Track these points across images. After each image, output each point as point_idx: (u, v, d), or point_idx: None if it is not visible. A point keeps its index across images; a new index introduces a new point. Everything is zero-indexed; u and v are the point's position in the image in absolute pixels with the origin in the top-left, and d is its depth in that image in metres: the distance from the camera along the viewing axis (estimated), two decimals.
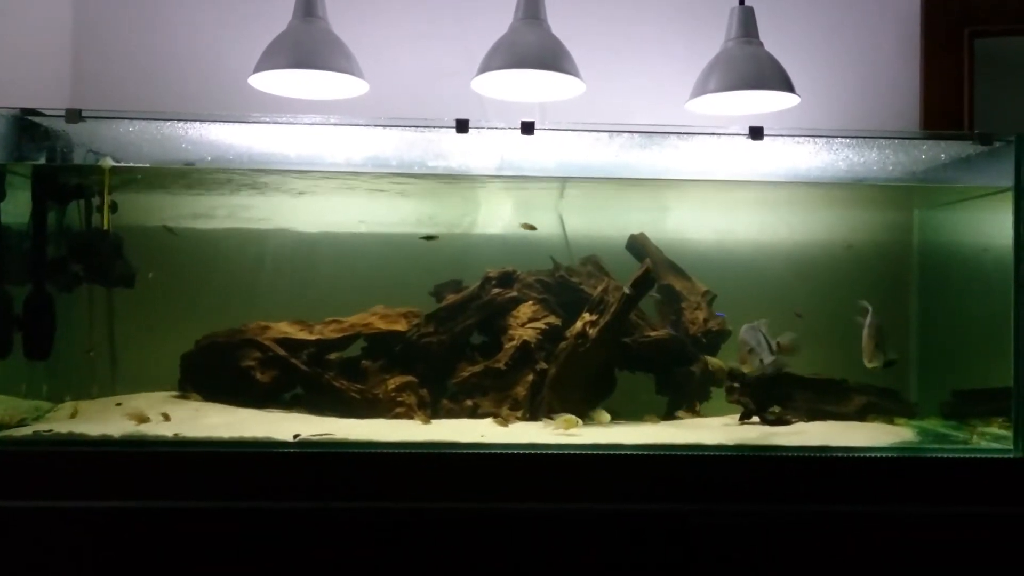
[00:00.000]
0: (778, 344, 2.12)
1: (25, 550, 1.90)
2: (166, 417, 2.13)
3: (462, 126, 2.09)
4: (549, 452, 1.99)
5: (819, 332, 2.62)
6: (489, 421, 2.27)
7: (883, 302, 2.67)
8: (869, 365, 2.11)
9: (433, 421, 2.27)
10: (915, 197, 2.65)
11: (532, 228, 2.45)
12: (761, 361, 2.12)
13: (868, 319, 2.14)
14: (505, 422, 2.25)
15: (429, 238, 2.47)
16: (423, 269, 2.53)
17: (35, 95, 2.41)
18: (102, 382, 2.45)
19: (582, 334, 2.32)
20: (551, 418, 2.19)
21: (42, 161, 2.22)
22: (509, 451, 1.97)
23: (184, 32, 2.70)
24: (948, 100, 2.65)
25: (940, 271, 2.62)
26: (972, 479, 2.00)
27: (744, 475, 1.99)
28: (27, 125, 2.13)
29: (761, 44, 2.40)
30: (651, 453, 2.01)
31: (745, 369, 2.15)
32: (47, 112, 2.09)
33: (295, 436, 2.00)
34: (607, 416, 2.26)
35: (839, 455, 2.02)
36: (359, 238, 2.65)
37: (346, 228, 2.66)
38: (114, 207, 2.36)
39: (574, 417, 2.16)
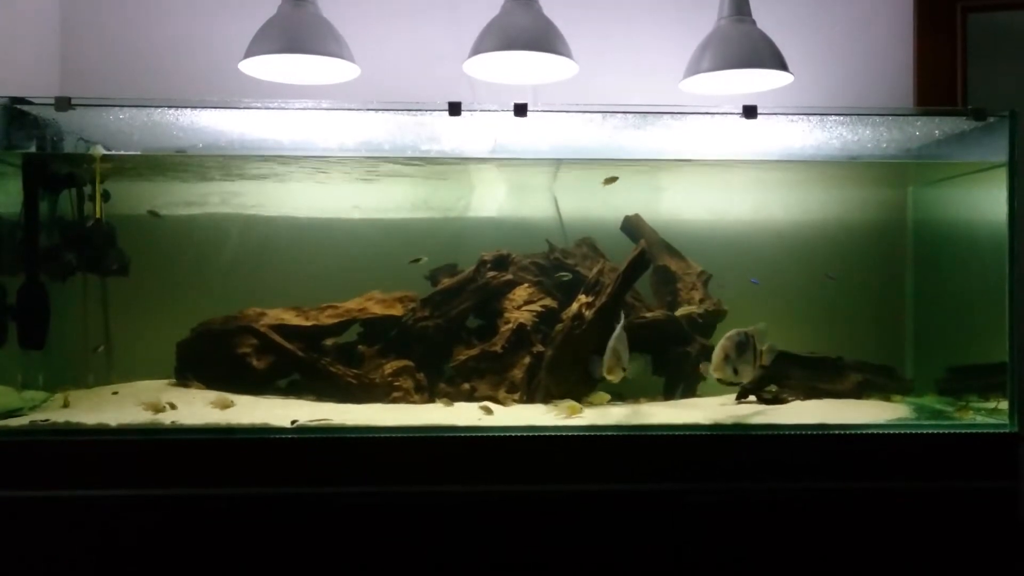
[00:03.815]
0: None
1: (23, 539, 1.90)
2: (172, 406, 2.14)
3: (455, 109, 2.08)
4: (548, 434, 2.00)
5: (814, 310, 2.64)
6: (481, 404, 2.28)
7: (878, 279, 2.69)
8: (714, 375, 2.06)
9: (446, 405, 2.28)
10: (909, 174, 2.65)
11: (614, 179, 2.41)
12: (624, 370, 2.08)
13: (731, 332, 2.07)
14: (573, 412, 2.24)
15: (416, 260, 2.49)
16: (418, 253, 2.52)
17: (24, 84, 2.39)
18: (98, 371, 2.46)
19: (578, 316, 2.32)
20: (554, 403, 2.20)
21: (32, 150, 2.21)
22: (509, 434, 1.98)
23: (173, 18, 2.68)
24: (941, 76, 2.64)
25: (934, 248, 2.62)
26: (970, 454, 2.02)
27: (742, 454, 2.00)
28: (16, 114, 2.11)
29: (754, 22, 2.39)
30: (649, 433, 2.02)
31: (609, 377, 2.07)
32: (36, 100, 2.08)
33: (293, 422, 2.00)
34: (606, 396, 2.26)
35: (836, 432, 2.03)
36: (353, 223, 2.64)
37: (340, 213, 2.65)
38: (106, 195, 2.35)
39: (577, 404, 2.17)
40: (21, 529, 1.90)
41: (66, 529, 1.90)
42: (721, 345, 2.05)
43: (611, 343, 2.07)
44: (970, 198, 2.42)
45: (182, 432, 1.97)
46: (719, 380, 2.09)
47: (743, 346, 2.06)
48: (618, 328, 2.11)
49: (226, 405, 2.15)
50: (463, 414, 2.16)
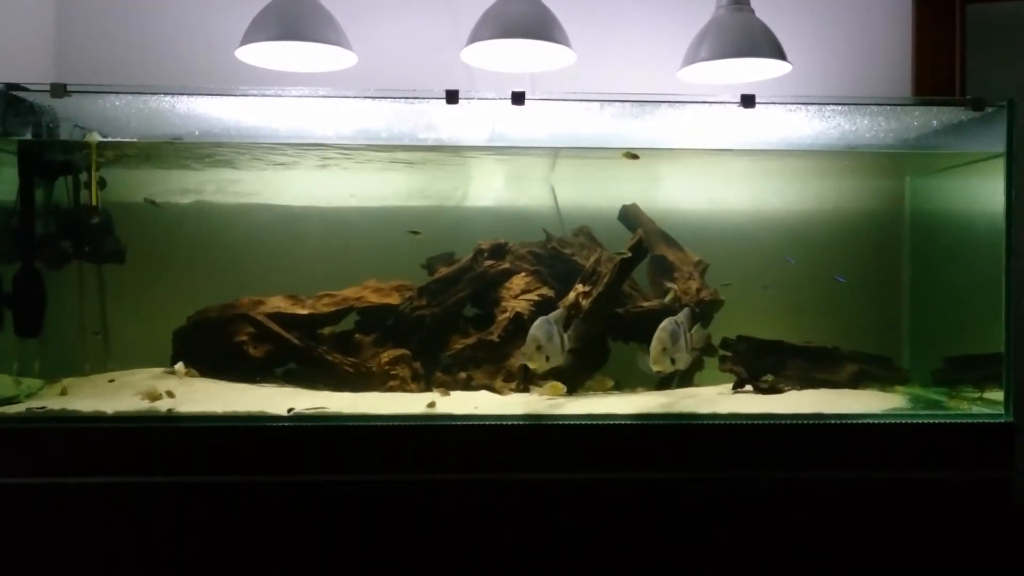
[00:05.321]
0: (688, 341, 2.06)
1: (18, 526, 1.91)
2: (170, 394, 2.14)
3: (452, 97, 2.07)
4: (542, 423, 2.00)
5: (811, 300, 2.64)
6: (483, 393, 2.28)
7: (875, 269, 2.70)
8: (655, 368, 2.04)
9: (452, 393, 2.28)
10: (907, 164, 2.65)
11: (635, 156, 2.35)
12: (548, 359, 2.03)
13: (664, 323, 2.05)
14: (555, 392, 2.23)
15: (414, 233, 2.48)
16: (415, 242, 2.52)
17: (19, 70, 2.38)
18: (94, 359, 2.45)
19: (575, 305, 2.32)
20: (538, 385, 2.20)
21: (28, 137, 2.20)
22: (504, 422, 1.98)
23: (169, 4, 2.66)
24: (940, 66, 2.64)
25: (931, 238, 2.62)
26: (966, 444, 2.02)
27: (739, 444, 2.00)
28: (12, 100, 2.10)
29: (752, 11, 2.38)
30: (646, 423, 2.02)
31: (531, 365, 2.03)
32: (32, 87, 2.07)
33: (289, 410, 2.01)
34: (610, 382, 2.28)
35: (832, 422, 2.03)
36: (350, 212, 2.64)
37: (337, 202, 2.64)
38: (102, 183, 2.35)
39: (560, 384, 2.19)
40: (17, 516, 1.90)
41: (62, 517, 1.90)
42: (658, 338, 2.02)
43: (531, 330, 2.03)
44: (968, 188, 2.42)
45: (178, 420, 1.97)
46: (659, 372, 2.07)
47: (676, 335, 2.05)
48: (540, 318, 2.07)
49: (189, 375, 2.25)
50: (460, 403, 2.16)
